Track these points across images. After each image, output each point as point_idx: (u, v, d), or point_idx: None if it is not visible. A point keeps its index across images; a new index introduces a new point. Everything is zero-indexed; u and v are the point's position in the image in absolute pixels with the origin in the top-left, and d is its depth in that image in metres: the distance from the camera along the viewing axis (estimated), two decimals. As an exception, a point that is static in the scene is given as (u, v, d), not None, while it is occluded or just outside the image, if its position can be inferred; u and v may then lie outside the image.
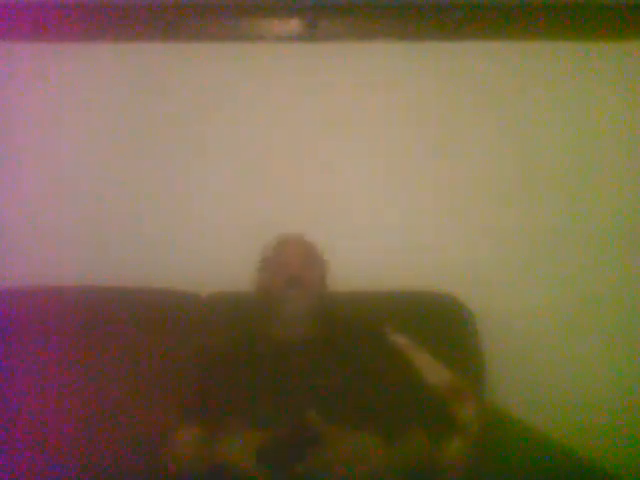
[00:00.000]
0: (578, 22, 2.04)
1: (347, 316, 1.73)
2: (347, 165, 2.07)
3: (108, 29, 2.01)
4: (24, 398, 1.73)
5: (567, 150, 2.09)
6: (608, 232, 2.07)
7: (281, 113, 2.06)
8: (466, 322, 1.90)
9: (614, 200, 2.08)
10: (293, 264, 1.68)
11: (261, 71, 2.05)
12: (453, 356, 1.75)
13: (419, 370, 1.62)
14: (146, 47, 2.03)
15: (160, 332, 1.81)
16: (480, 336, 1.90)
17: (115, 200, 2.05)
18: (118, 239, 2.04)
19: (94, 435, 1.72)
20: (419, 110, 2.07)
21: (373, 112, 2.06)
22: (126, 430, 1.72)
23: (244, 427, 1.44)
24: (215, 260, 2.02)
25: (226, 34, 2.03)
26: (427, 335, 1.77)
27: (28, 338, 1.78)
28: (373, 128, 2.07)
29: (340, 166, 2.07)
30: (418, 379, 1.60)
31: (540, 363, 2.05)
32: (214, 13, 2.02)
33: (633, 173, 2.09)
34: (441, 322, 1.87)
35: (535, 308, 2.06)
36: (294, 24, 2.03)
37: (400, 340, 1.68)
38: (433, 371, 1.63)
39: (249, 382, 1.56)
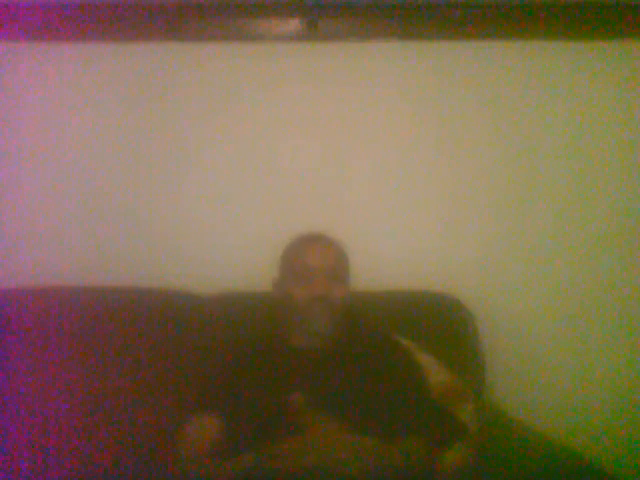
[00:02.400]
0: (578, 22, 2.03)
1: (363, 322, 1.70)
2: (346, 165, 2.07)
3: (108, 29, 2.01)
4: (24, 398, 1.73)
5: (567, 150, 2.09)
6: (608, 232, 2.07)
7: (281, 113, 2.06)
8: (466, 322, 1.90)
9: (614, 200, 2.08)
10: (318, 276, 1.58)
11: (261, 71, 2.05)
12: (453, 356, 1.75)
13: (424, 374, 1.61)
14: (146, 47, 2.03)
15: (160, 332, 1.81)
16: (480, 336, 1.90)
17: (115, 200, 2.05)
18: (118, 239, 2.04)
19: (94, 435, 1.72)
20: (419, 110, 2.07)
21: (373, 112, 2.06)
22: (126, 430, 1.72)
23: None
24: (215, 260, 2.02)
25: (226, 34, 2.03)
26: (427, 335, 1.77)
27: (28, 338, 1.78)
28: (373, 128, 2.07)
29: (340, 166, 2.07)
30: (424, 383, 1.59)
31: (540, 363, 2.05)
32: (214, 13, 2.02)
33: (633, 173, 2.09)
34: (441, 322, 1.87)
35: (535, 308, 2.06)
36: (294, 24, 2.03)
37: (406, 344, 1.67)
38: (435, 373, 1.63)
39: (262, 385, 1.54)
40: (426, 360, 1.66)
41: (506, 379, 1.97)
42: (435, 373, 1.63)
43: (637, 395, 2.06)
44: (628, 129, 2.09)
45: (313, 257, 1.61)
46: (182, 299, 1.89)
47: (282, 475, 1.31)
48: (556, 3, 2.03)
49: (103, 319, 1.82)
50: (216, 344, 1.79)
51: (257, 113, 2.06)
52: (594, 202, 2.09)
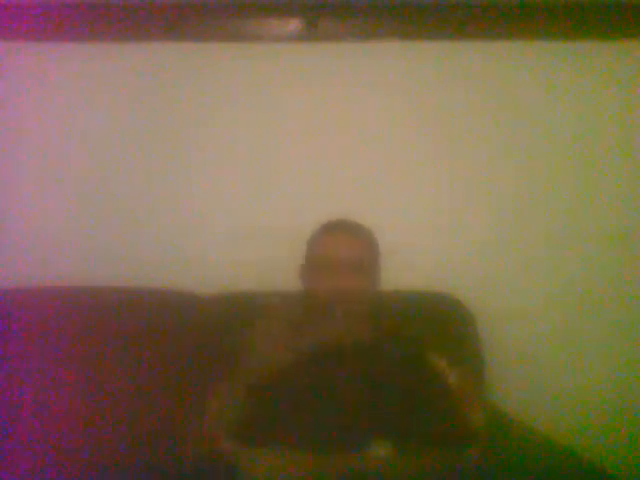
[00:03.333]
0: (578, 22, 2.04)
1: (388, 319, 1.68)
2: (346, 165, 2.07)
3: (108, 29, 2.01)
4: (24, 398, 1.73)
5: (567, 150, 2.09)
6: (608, 232, 2.07)
7: (281, 113, 2.06)
8: (466, 322, 1.90)
9: (614, 200, 2.08)
10: (342, 269, 1.51)
11: (261, 71, 2.05)
12: (453, 356, 1.75)
13: (440, 379, 1.59)
14: (146, 47, 2.03)
15: (160, 333, 1.81)
16: (480, 336, 1.91)
17: (115, 200, 2.05)
18: (118, 239, 2.04)
19: (94, 435, 1.72)
20: (419, 110, 2.07)
21: (373, 112, 2.06)
22: (126, 430, 1.73)
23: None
24: (215, 260, 2.02)
25: (226, 34, 2.03)
26: (427, 335, 1.77)
27: (28, 338, 1.78)
28: (373, 128, 2.07)
29: (339, 166, 2.07)
30: (440, 388, 1.58)
31: (540, 363, 2.05)
32: (214, 13, 2.02)
33: (633, 173, 2.09)
34: (441, 322, 1.87)
35: (535, 308, 2.06)
36: (294, 24, 2.03)
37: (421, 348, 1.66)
38: (449, 376, 1.61)
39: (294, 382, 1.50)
40: (440, 363, 1.65)
41: (506, 379, 1.97)
42: (449, 376, 1.62)
43: (637, 395, 2.06)
44: (628, 129, 2.09)
45: (336, 248, 1.54)
46: (182, 299, 1.89)
47: None
48: (556, 3, 2.03)
49: (103, 319, 1.82)
50: (216, 344, 1.79)
51: (257, 113, 2.06)
52: (594, 202, 2.09)
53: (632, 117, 2.08)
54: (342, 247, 1.54)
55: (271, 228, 2.02)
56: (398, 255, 2.03)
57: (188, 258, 2.03)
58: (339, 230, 1.59)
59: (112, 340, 1.79)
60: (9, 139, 2.04)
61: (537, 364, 2.04)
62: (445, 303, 1.92)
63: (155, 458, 1.66)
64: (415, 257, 2.03)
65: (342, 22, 2.04)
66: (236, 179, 2.06)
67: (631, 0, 2.03)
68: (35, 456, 1.68)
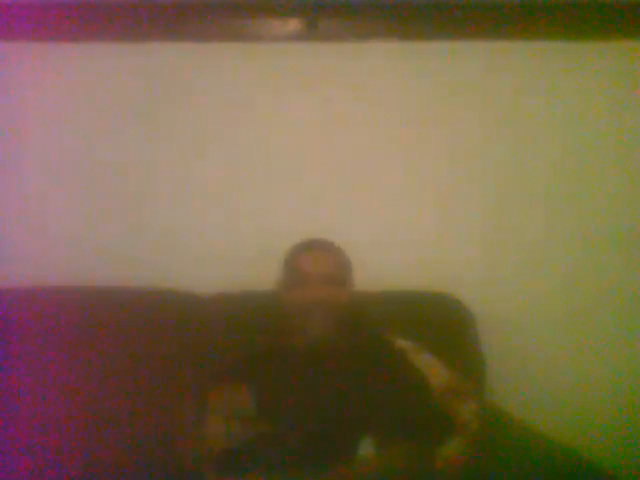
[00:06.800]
0: (578, 22, 2.04)
1: (361, 324, 1.72)
2: (346, 165, 2.07)
3: (109, 29, 2.01)
4: (24, 398, 1.73)
5: (566, 150, 2.09)
6: (608, 232, 2.08)
7: (281, 113, 2.06)
8: (466, 322, 1.90)
9: (613, 200, 2.08)
10: (313, 282, 1.65)
11: (261, 71, 2.05)
12: (453, 356, 1.75)
13: (420, 372, 1.61)
14: (146, 47, 2.03)
15: (160, 333, 1.81)
16: (480, 336, 1.91)
17: (115, 200, 2.05)
18: (118, 239, 2.04)
19: (94, 435, 1.72)
20: (419, 110, 2.07)
21: (372, 112, 2.06)
22: (126, 430, 1.73)
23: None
24: (215, 260, 2.02)
25: (225, 34, 2.03)
26: (427, 335, 1.77)
27: (28, 338, 1.78)
28: (372, 128, 2.07)
29: (339, 166, 2.07)
30: (418, 384, 1.60)
31: (540, 363, 2.05)
32: (214, 13, 2.02)
33: (632, 173, 2.09)
34: (441, 322, 1.87)
35: (535, 308, 2.06)
36: (294, 24, 2.03)
37: (402, 344, 1.68)
38: (433, 371, 1.63)
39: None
40: (426, 360, 1.66)
41: (506, 379, 1.97)
42: (436, 373, 1.64)
43: (637, 395, 2.06)
44: (627, 129, 2.09)
45: (308, 264, 1.69)
46: (182, 299, 1.89)
47: None
48: (556, 3, 2.03)
49: (103, 319, 1.82)
50: (216, 344, 1.79)
51: (257, 113, 2.06)
52: (594, 202, 2.09)
53: (632, 117, 2.08)
54: (312, 263, 1.69)
55: (271, 228, 2.02)
56: (399, 256, 2.04)
57: (188, 258, 2.03)
58: (310, 248, 1.73)
59: (112, 340, 1.79)
60: (9, 139, 2.03)
61: (537, 364, 2.04)
62: (445, 303, 1.92)
63: (154, 458, 1.66)
64: (416, 257, 2.03)
65: (342, 22, 2.04)
66: (236, 178, 2.06)
67: (631, 0, 2.03)
68: (34, 455, 1.68)
